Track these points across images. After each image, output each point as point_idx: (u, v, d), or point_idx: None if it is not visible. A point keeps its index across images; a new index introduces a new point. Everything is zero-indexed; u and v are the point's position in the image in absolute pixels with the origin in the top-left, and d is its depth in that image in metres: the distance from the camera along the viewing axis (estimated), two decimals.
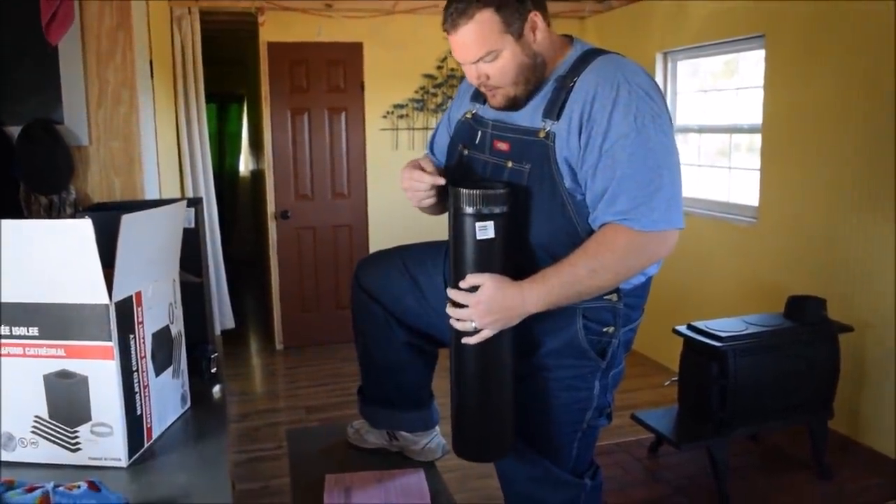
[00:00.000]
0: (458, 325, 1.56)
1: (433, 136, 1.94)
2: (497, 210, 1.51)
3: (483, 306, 1.51)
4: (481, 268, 1.52)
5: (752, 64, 4.31)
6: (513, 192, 1.54)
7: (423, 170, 1.67)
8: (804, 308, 3.27)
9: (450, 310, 1.56)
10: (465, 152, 1.73)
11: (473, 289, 1.52)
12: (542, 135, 1.56)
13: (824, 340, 3.25)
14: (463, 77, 1.75)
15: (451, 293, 1.56)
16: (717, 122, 4.61)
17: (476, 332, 1.54)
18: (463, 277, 1.53)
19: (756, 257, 4.10)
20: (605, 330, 1.63)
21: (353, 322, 2.03)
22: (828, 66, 3.60)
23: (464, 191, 1.51)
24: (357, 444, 2.15)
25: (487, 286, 1.51)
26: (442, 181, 1.65)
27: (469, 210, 1.51)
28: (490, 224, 1.51)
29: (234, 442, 3.75)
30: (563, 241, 1.55)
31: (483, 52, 1.53)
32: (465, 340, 1.56)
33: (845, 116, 3.51)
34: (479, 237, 1.51)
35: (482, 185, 1.55)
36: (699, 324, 3.20)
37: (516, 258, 1.57)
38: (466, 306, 1.53)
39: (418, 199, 1.71)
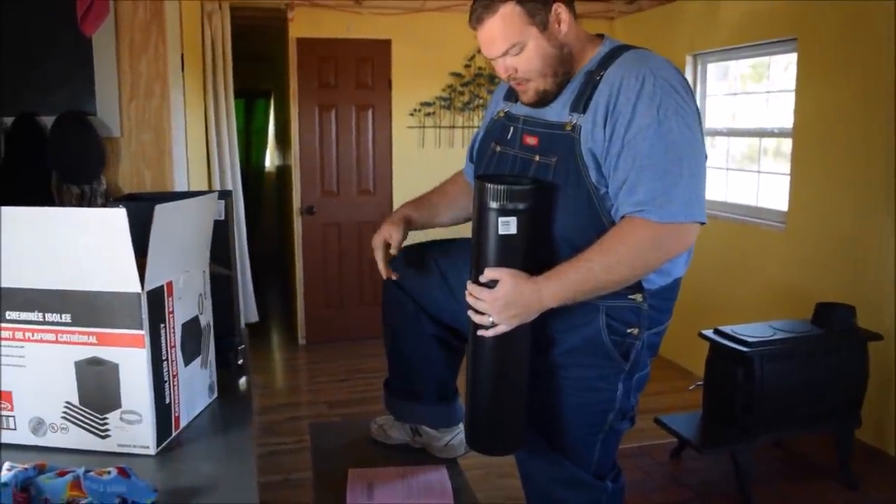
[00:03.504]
0: (476, 319, 1.57)
1: (473, 143, 1.95)
2: (521, 206, 1.51)
3: (500, 302, 1.51)
4: (502, 263, 1.53)
5: (781, 68, 4.27)
6: (539, 189, 1.54)
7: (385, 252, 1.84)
8: (833, 315, 3.23)
9: (468, 301, 1.57)
10: (498, 149, 1.74)
11: (493, 283, 1.52)
12: (568, 128, 1.57)
13: (853, 348, 3.20)
14: (492, 77, 1.78)
15: (470, 287, 1.57)
16: (745, 126, 4.57)
17: (493, 325, 1.54)
18: (483, 271, 1.54)
19: (784, 263, 4.05)
20: (629, 331, 1.62)
21: (382, 314, 2.05)
22: (860, 69, 3.54)
23: (489, 185, 1.51)
24: (380, 439, 2.15)
25: (505, 282, 1.51)
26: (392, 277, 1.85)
27: (493, 205, 1.51)
28: (513, 220, 1.51)
29: (255, 434, 3.77)
30: (589, 235, 1.54)
31: (508, 45, 1.56)
32: (480, 333, 1.57)
33: (877, 121, 3.46)
34: (501, 232, 1.51)
35: (508, 181, 1.56)
36: (726, 328, 3.17)
37: (540, 253, 1.57)
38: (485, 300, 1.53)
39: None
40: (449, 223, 2.00)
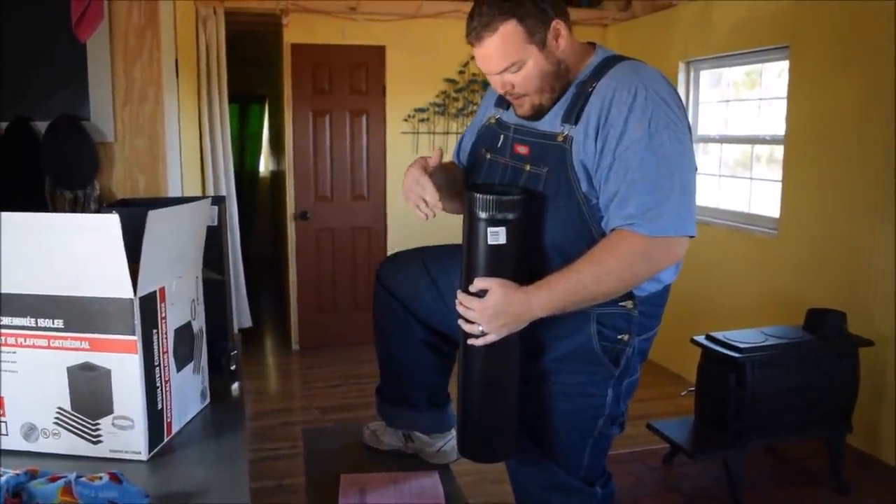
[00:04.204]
0: (466, 328, 1.58)
1: (460, 143, 1.95)
2: (510, 216, 1.52)
3: (490, 312, 1.52)
4: (491, 272, 1.53)
5: (773, 75, 4.29)
6: (528, 199, 1.55)
7: (427, 181, 1.61)
8: (824, 321, 3.24)
9: (458, 310, 1.58)
10: (488, 156, 1.75)
11: (482, 292, 1.53)
12: (559, 138, 1.57)
13: (844, 354, 3.22)
14: (485, 83, 1.77)
15: (460, 296, 1.57)
16: (738, 133, 4.59)
17: (483, 334, 1.55)
18: (472, 281, 1.55)
19: (776, 269, 4.07)
20: (619, 337, 1.63)
21: (373, 319, 2.05)
22: (852, 77, 3.57)
23: (478, 195, 1.52)
24: (372, 444, 2.15)
25: (495, 291, 1.52)
26: (438, 210, 1.61)
27: (482, 215, 1.52)
28: (502, 230, 1.52)
29: (248, 440, 3.77)
30: (579, 246, 1.55)
31: (507, 63, 1.55)
32: (470, 342, 1.58)
33: (868, 129, 3.48)
34: (490, 242, 1.52)
35: (498, 191, 1.56)
36: (717, 334, 3.19)
37: (530, 262, 1.58)
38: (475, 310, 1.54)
39: (418, 216, 1.64)
40: (446, 197, 1.78)
